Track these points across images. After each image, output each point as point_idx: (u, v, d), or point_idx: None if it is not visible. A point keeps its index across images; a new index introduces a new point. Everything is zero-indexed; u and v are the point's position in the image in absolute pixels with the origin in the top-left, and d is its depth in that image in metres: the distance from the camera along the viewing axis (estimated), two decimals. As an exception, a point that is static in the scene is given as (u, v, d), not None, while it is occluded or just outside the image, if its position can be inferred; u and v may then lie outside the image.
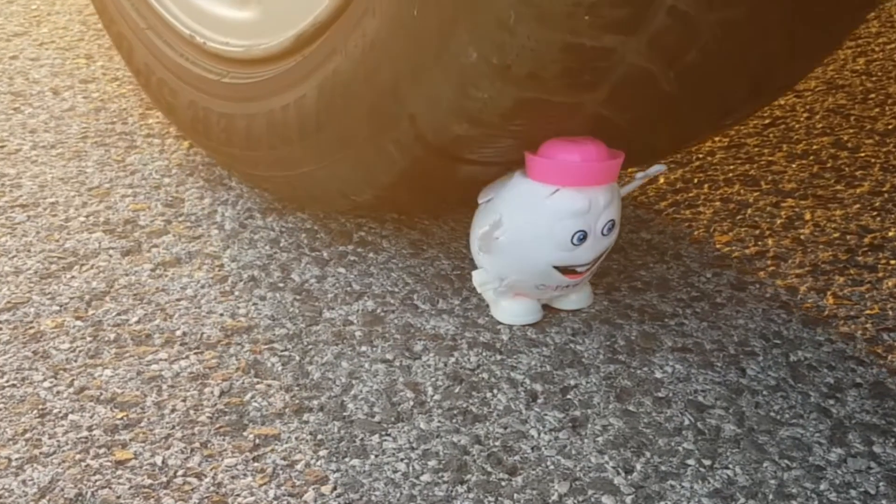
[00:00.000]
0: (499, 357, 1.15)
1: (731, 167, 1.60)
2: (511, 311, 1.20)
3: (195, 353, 1.13)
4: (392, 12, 1.06)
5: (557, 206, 1.11)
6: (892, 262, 1.35)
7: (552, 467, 0.99)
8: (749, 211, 1.47)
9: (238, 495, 0.95)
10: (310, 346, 1.16)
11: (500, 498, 0.96)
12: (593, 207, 1.11)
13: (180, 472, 0.97)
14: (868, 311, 1.24)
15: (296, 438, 1.02)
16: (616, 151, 1.13)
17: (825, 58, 1.18)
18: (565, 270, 1.15)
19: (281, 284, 1.27)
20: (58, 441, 1.00)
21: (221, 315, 1.21)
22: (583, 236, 1.12)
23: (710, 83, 1.05)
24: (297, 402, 1.07)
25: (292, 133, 1.25)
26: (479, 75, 1.01)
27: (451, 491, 0.96)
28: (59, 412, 1.04)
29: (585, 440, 1.03)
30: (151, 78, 1.50)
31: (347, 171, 1.23)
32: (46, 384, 1.08)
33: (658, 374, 1.13)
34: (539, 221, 1.12)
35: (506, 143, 1.11)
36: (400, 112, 1.11)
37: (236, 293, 1.25)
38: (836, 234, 1.41)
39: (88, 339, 1.15)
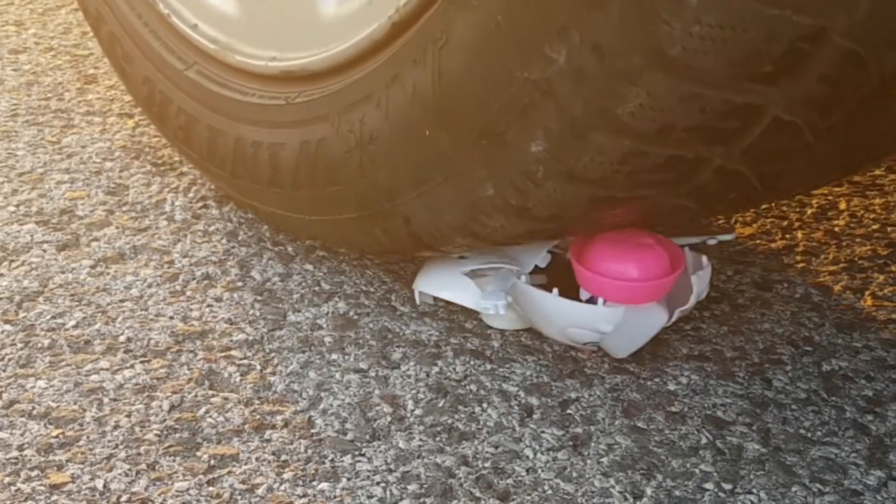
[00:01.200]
0: (489, 366, 1.15)
1: (756, 150, 1.60)
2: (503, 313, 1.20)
3: (141, 362, 1.13)
4: (400, 117, 1.07)
5: (586, 318, 1.13)
6: (939, 257, 1.35)
7: (550, 492, 0.99)
8: (776, 200, 1.47)
9: (190, 524, 0.95)
10: (272, 354, 1.16)
11: (490, 527, 0.96)
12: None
13: (124, 498, 0.97)
14: (911, 314, 1.25)
15: (256, 459, 1.02)
16: (677, 258, 1.15)
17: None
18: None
19: (239, 283, 1.27)
20: (-17, 462, 1.00)
21: (171, 318, 1.20)
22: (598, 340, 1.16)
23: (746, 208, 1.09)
24: (257, 417, 1.07)
25: (262, 174, 1.25)
26: (493, 208, 1.04)
27: (435, 519, 0.97)
28: (-15, 429, 1.04)
29: (588, 461, 1.03)
30: (102, 27, 1.48)
31: (324, 232, 1.25)
32: (-30, 397, 1.08)
33: (671, 386, 1.13)
34: (554, 318, 1.15)
35: (510, 249, 1.17)
36: (394, 211, 1.12)
37: (188, 293, 1.25)
38: (876, 226, 1.41)
39: (19, 345, 1.15)
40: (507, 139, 0.97)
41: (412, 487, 0.99)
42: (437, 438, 1.05)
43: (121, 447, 1.02)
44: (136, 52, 1.41)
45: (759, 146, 0.90)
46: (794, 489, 1.00)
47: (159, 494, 0.97)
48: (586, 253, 1.12)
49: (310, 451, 1.03)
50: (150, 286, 1.26)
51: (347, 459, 1.02)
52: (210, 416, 1.06)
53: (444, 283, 1.19)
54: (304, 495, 0.98)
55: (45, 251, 1.32)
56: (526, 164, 0.97)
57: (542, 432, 1.06)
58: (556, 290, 1.13)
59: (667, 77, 0.84)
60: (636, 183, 0.96)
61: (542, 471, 1.02)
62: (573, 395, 1.11)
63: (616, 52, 0.85)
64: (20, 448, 1.02)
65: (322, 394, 1.10)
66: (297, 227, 1.31)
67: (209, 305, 1.23)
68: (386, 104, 1.08)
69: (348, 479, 1.00)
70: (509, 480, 1.00)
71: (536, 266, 1.17)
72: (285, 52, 1.23)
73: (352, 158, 1.13)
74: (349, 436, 1.05)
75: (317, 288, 1.27)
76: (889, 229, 1.41)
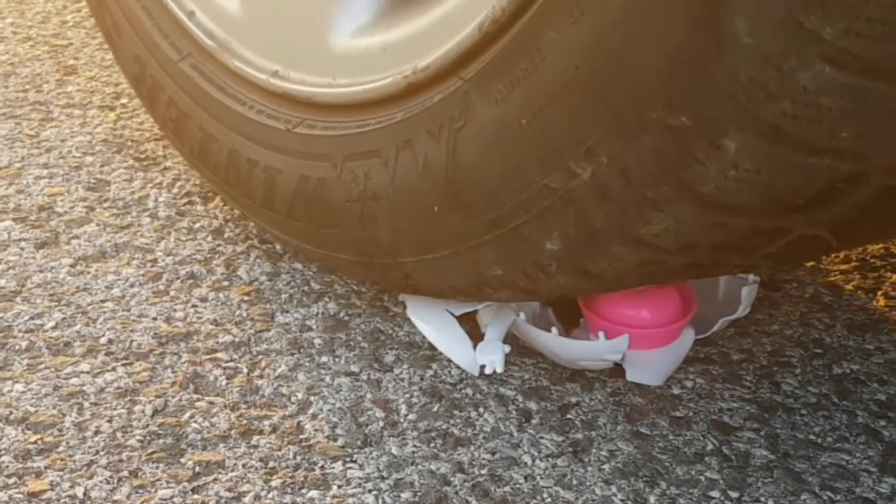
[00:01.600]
0: (486, 369, 1.15)
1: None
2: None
3: (123, 365, 1.13)
4: (407, 185, 1.05)
5: (592, 352, 1.14)
6: (955, 256, 1.35)
7: (549, 500, 0.99)
8: (785, 196, 1.47)
9: (174, 534, 0.95)
10: (260, 357, 1.16)
11: (487, 536, 0.96)
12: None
13: (105, 506, 0.97)
14: (926, 315, 1.25)
15: (243, 466, 1.02)
16: (689, 298, 1.16)
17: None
18: None
19: (225, 283, 1.27)
20: (-42, 469, 1.00)
21: (154, 319, 1.20)
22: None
23: None
24: (244, 422, 1.07)
25: (256, 193, 1.22)
26: (500, 285, 1.04)
27: (429, 528, 0.97)
28: (-40, 435, 1.04)
29: (589, 468, 1.03)
30: None
31: (322, 260, 1.25)
32: (-56, 401, 1.08)
33: (676, 390, 1.13)
34: (562, 355, 1.15)
35: None
36: (394, 265, 1.11)
37: (172, 293, 1.25)
38: (889, 224, 1.42)
39: (-5, 347, 1.15)
40: (520, 234, 0.97)
41: (405, 496, 0.99)
42: (432, 444, 1.05)
43: (102, 453, 1.02)
44: (127, 26, 1.37)
45: (780, 252, 0.90)
46: (803, 497, 1.00)
47: (142, 502, 0.97)
48: (595, 298, 1.13)
49: (299, 458, 1.03)
50: (132, 286, 1.26)
51: (338, 466, 1.02)
52: (195, 422, 1.06)
53: (436, 325, 1.17)
54: None
55: (22, 249, 1.31)
56: (539, 258, 0.97)
57: (541, 438, 1.06)
58: (555, 330, 1.13)
59: (695, 208, 0.84)
60: (650, 279, 0.98)
61: (541, 478, 1.02)
62: (573, 400, 1.11)
63: (644, 180, 0.85)
64: (-3, 454, 1.02)
65: (312, 398, 1.10)
66: (288, 247, 1.30)
67: (194, 306, 1.23)
68: (394, 167, 1.06)
69: (339, 487, 1.00)
70: (507, 488, 1.00)
71: None
72: (289, 69, 1.19)
73: (352, 209, 1.11)
74: (340, 442, 1.05)
75: (306, 288, 1.27)
76: (902, 227, 1.41)
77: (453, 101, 0.99)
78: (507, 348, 1.14)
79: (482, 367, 1.13)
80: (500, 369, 1.12)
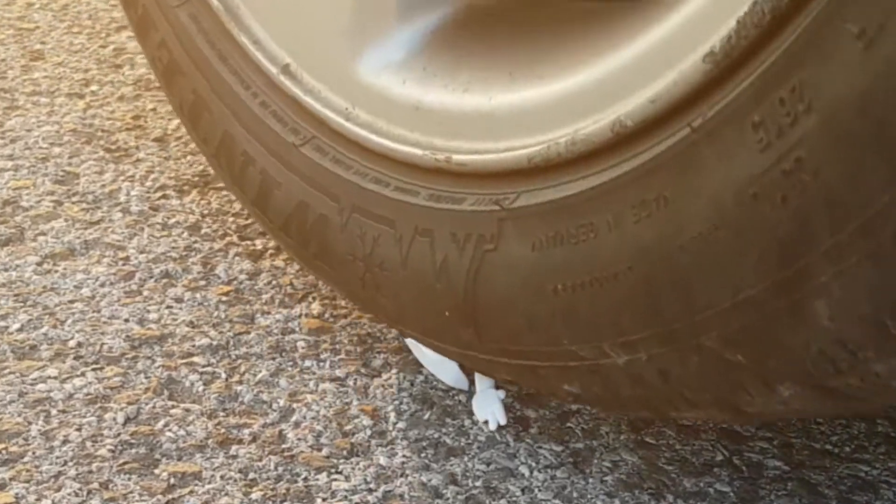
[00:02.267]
0: (480, 374, 1.15)
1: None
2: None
3: (93, 370, 1.13)
4: (419, 277, 1.00)
5: None
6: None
7: (548, 514, 0.99)
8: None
9: (147, 550, 0.95)
10: (239, 361, 1.15)
11: (482, 553, 0.96)
12: None
13: (73, 521, 0.97)
14: (948, 317, 1.25)
15: (221, 477, 1.01)
16: None
17: None
18: None
19: (202, 282, 1.27)
20: (-84, 481, 1.00)
21: (127, 321, 1.20)
22: None
23: None
24: (222, 431, 1.06)
25: (248, 189, 1.17)
26: (511, 383, 1.05)
27: (420, 544, 0.96)
28: (-82, 444, 1.04)
29: (590, 480, 1.03)
30: None
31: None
32: None
33: (683, 397, 1.13)
34: None
35: None
36: (395, 327, 1.11)
37: (145, 293, 1.25)
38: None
39: (-44, 351, 1.15)
40: (538, 371, 0.94)
41: (395, 509, 0.99)
42: (423, 454, 1.05)
43: (70, 464, 1.02)
44: None
45: None
46: (819, 511, 1.01)
47: (113, 517, 0.97)
48: None
49: (280, 469, 1.02)
50: (102, 285, 1.25)
51: (322, 478, 1.02)
52: (170, 430, 1.06)
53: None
54: (275, 518, 0.98)
55: (-15, 246, 1.31)
56: (555, 391, 0.96)
57: (540, 448, 1.06)
58: None
59: (733, 416, 0.84)
60: None
61: (540, 490, 1.01)
62: (574, 407, 1.11)
63: (685, 386, 0.83)
64: (-42, 465, 1.01)
65: (294, 405, 1.10)
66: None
67: (169, 307, 1.22)
68: (408, 249, 1.00)
69: (323, 500, 0.99)
70: (503, 501, 1.00)
71: None
72: (303, 69, 1.09)
73: (355, 265, 1.05)
74: (324, 451, 1.05)
75: (289, 287, 1.26)
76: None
77: (486, 219, 0.93)
78: (503, 394, 1.12)
79: (485, 422, 1.12)
80: (502, 421, 1.10)
